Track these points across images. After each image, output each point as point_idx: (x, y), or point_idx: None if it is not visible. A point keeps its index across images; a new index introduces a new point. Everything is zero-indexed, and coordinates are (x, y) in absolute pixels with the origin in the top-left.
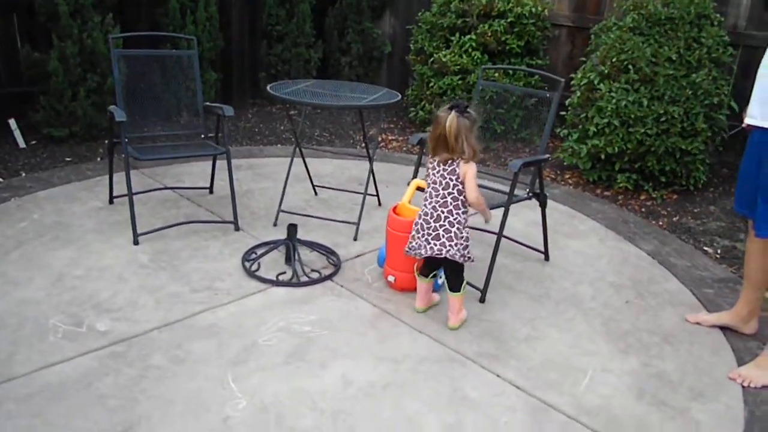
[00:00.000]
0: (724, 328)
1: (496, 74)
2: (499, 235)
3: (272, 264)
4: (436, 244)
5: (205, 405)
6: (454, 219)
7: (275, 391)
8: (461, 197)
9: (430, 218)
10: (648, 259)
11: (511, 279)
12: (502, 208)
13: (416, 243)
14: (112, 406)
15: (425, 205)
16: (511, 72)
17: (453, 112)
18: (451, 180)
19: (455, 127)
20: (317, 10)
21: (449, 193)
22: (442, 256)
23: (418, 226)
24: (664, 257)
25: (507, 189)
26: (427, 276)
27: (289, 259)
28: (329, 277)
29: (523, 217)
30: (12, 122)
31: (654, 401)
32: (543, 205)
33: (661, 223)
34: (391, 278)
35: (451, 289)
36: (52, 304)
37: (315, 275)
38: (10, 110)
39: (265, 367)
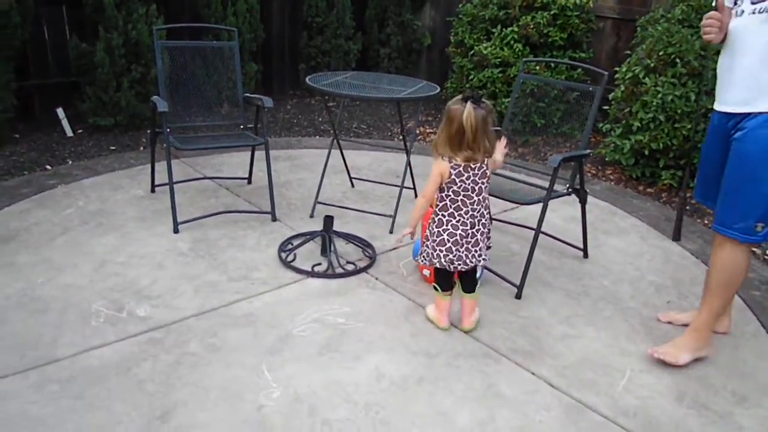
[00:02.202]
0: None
1: (538, 67)
2: (537, 230)
3: (308, 255)
4: (477, 251)
5: (239, 393)
6: (486, 220)
7: (309, 381)
8: (486, 193)
9: (470, 228)
10: (692, 258)
11: (549, 275)
12: (541, 204)
13: (456, 255)
14: (150, 391)
15: (461, 215)
16: (552, 65)
17: (469, 104)
18: (483, 183)
19: (474, 120)
20: (357, 1)
21: (483, 198)
22: (482, 263)
23: (457, 237)
24: (709, 257)
25: (545, 184)
26: (450, 290)
27: (324, 251)
28: (364, 269)
29: (562, 213)
30: (60, 111)
31: (694, 404)
32: (583, 202)
33: (706, 221)
34: (426, 272)
35: (468, 291)
36: (94, 289)
37: (350, 267)
38: (58, 100)
39: (299, 357)
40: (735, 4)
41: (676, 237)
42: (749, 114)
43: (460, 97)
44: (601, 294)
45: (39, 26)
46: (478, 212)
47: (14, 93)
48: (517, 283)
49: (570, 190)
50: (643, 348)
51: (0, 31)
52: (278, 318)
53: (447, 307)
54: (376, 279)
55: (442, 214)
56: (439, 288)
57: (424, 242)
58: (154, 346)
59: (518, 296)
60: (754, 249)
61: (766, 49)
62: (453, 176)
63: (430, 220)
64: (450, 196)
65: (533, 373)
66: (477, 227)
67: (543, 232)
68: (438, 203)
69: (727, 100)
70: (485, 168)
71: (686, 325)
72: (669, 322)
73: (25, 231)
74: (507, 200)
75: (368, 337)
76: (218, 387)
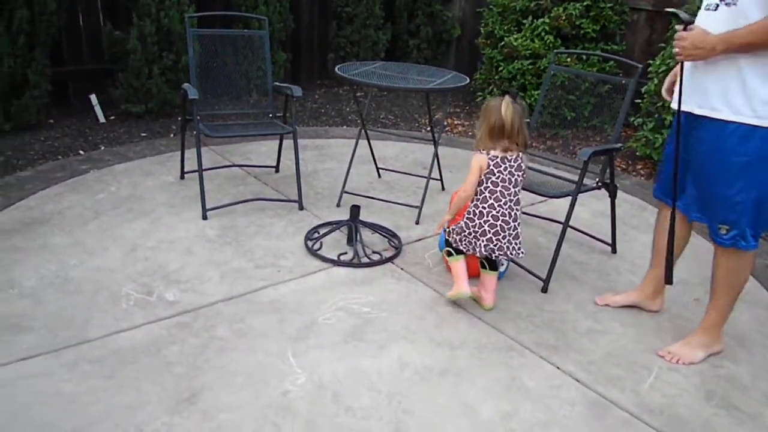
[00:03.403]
0: (632, 307)
1: (569, 59)
2: (566, 224)
3: (334, 244)
4: (518, 243)
5: (265, 378)
6: (521, 212)
7: (333, 369)
8: (521, 187)
9: (510, 218)
10: None
11: (576, 270)
12: (569, 197)
13: (496, 245)
14: (178, 373)
15: (500, 206)
16: (584, 57)
17: (507, 97)
18: (519, 176)
19: (512, 113)
20: None
21: (519, 190)
22: (521, 256)
23: (498, 228)
24: None
25: (574, 177)
26: (462, 252)
27: (350, 240)
28: (390, 259)
29: (591, 207)
30: (93, 98)
31: (723, 404)
32: (613, 196)
33: None
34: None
35: (493, 269)
36: (125, 273)
37: (376, 257)
38: (91, 86)
39: (324, 344)
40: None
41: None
42: (711, 117)
43: (499, 94)
44: (628, 290)
45: (74, 13)
46: (515, 203)
47: (49, 79)
48: (544, 276)
49: (600, 184)
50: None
51: (37, 18)
52: (304, 305)
53: (462, 270)
54: (402, 269)
55: (483, 206)
56: (453, 252)
57: (459, 231)
58: (182, 330)
59: (544, 290)
60: None
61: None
62: (491, 167)
63: (469, 211)
64: (489, 187)
65: (558, 368)
66: (516, 220)
67: (571, 226)
68: (477, 196)
69: (689, 102)
70: (521, 161)
71: (624, 307)
72: (606, 305)
73: (58, 214)
74: (535, 193)
75: (392, 327)
76: (244, 372)
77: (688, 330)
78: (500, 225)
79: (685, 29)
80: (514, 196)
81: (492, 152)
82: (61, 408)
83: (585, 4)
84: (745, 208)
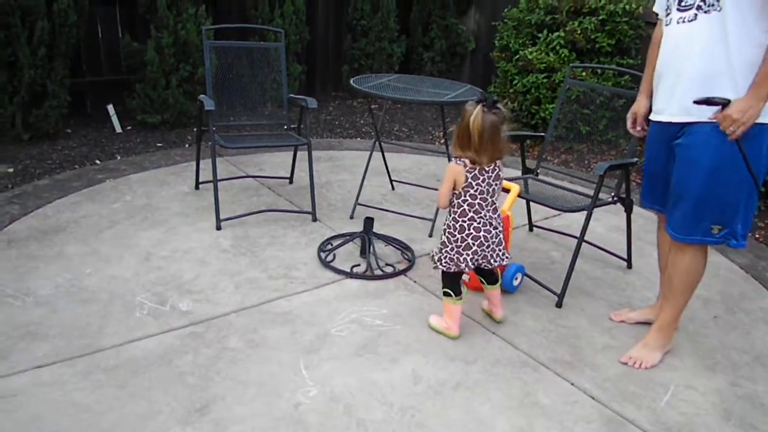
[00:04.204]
0: (647, 323)
1: (584, 73)
2: (580, 239)
3: (347, 256)
4: (501, 250)
5: (277, 390)
6: (500, 221)
7: (345, 381)
8: (499, 194)
9: (491, 227)
10: (740, 273)
11: (590, 285)
12: (583, 212)
13: (481, 255)
14: (191, 384)
15: (480, 217)
16: (599, 71)
17: (479, 107)
18: (497, 185)
19: (480, 123)
20: (402, 4)
21: (495, 199)
22: (506, 262)
23: (481, 239)
24: (759, 272)
25: (588, 192)
26: (461, 294)
27: (364, 252)
28: (403, 272)
29: (605, 222)
30: (110, 108)
31: (742, 424)
32: (629, 211)
33: (757, 235)
34: (465, 277)
35: (492, 283)
36: (139, 282)
37: (389, 269)
38: (109, 97)
39: (336, 356)
40: (667, 14)
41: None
42: (702, 122)
43: (476, 98)
44: (643, 306)
45: (93, 25)
46: (494, 213)
47: (68, 89)
48: (558, 291)
49: (615, 198)
50: (688, 363)
51: (57, 29)
52: (316, 317)
53: (459, 314)
54: (415, 282)
55: (462, 220)
56: (452, 293)
57: (440, 248)
58: (195, 340)
59: (559, 305)
60: None
61: (700, 60)
62: (469, 179)
63: (449, 226)
64: (467, 200)
65: (573, 384)
66: (497, 228)
67: (586, 241)
68: (455, 209)
69: (669, 111)
70: (498, 171)
71: (640, 323)
72: (622, 321)
73: (74, 223)
74: (549, 207)
75: (405, 340)
76: (256, 383)
77: (705, 347)
78: (483, 236)
79: (722, 110)
80: (491, 206)
81: (468, 163)
82: (74, 417)
83: (600, 18)
84: (737, 207)
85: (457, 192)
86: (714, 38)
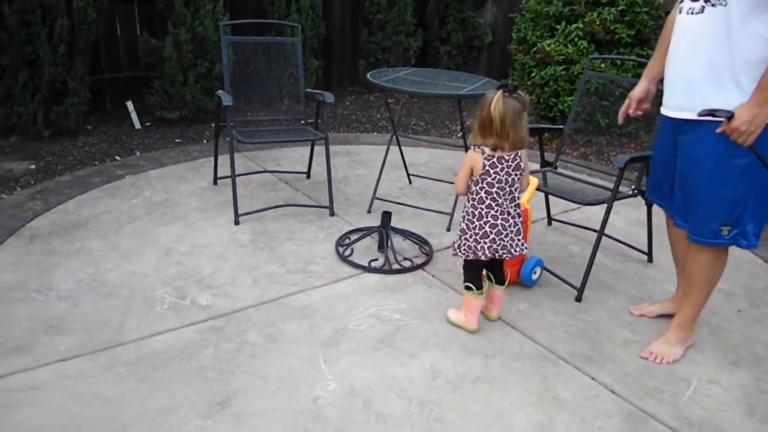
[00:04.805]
0: (668, 316)
1: (603, 65)
2: (600, 233)
3: (365, 250)
4: (519, 240)
5: (296, 384)
6: (519, 211)
7: (364, 375)
8: (519, 184)
9: (509, 216)
10: (764, 266)
11: (610, 279)
12: (602, 205)
13: (500, 245)
14: (211, 378)
15: (498, 205)
16: (618, 63)
17: (499, 92)
18: (516, 175)
19: (501, 110)
20: None
21: (515, 188)
22: (525, 252)
23: (498, 228)
24: None
25: (608, 185)
26: (482, 289)
27: (381, 247)
28: (421, 266)
29: (624, 215)
30: (129, 104)
31: (767, 420)
32: (649, 204)
33: None
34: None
35: (500, 283)
36: (159, 277)
37: (407, 264)
38: (128, 93)
39: (355, 351)
40: (680, 0)
41: None
42: (697, 120)
43: (496, 86)
44: (664, 300)
45: (112, 23)
46: (512, 202)
47: (88, 86)
48: (577, 285)
49: (636, 191)
50: (711, 357)
51: (77, 27)
52: (335, 311)
53: (479, 308)
54: (433, 276)
55: (480, 207)
56: (473, 287)
57: (460, 235)
58: (215, 334)
59: (578, 299)
60: None
61: (708, 52)
62: (487, 167)
63: (467, 213)
64: (485, 188)
65: (593, 378)
66: (515, 218)
67: (606, 235)
68: (473, 196)
69: (674, 105)
70: (519, 160)
71: (661, 316)
72: (642, 315)
73: (95, 219)
74: (569, 200)
75: (424, 334)
76: (276, 377)
77: (728, 341)
78: (500, 224)
79: (729, 122)
80: (510, 195)
81: (487, 150)
82: (96, 410)
83: (620, 8)
84: (746, 207)
85: (474, 179)
86: (719, 32)
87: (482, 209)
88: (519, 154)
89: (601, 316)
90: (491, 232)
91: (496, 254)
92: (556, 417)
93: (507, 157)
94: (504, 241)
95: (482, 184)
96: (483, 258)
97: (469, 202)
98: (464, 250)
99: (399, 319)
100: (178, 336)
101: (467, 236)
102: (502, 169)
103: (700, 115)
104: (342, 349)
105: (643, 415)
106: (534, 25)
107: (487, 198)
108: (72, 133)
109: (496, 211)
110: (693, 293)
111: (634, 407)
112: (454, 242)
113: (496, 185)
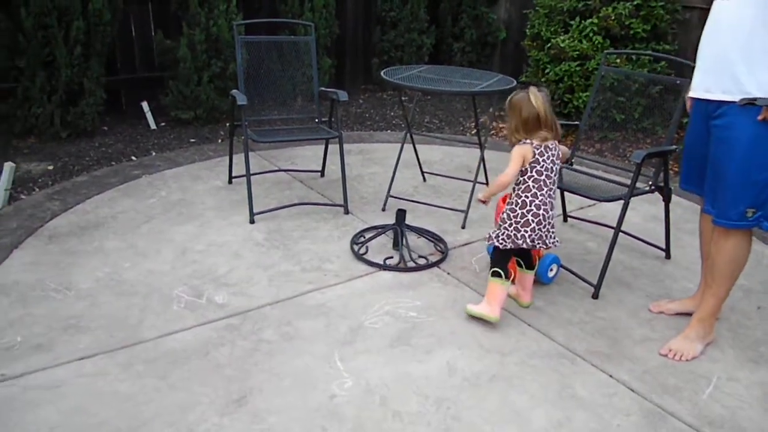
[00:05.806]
0: (687, 314)
1: (618, 60)
2: (617, 229)
3: (380, 248)
4: (553, 233)
5: (312, 382)
6: (554, 205)
7: (380, 373)
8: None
9: (549, 207)
10: None
11: (628, 276)
12: (619, 201)
13: (538, 234)
14: (228, 375)
15: (542, 194)
16: (634, 58)
17: (532, 88)
18: (557, 165)
19: (542, 102)
20: None
21: (556, 179)
22: (558, 245)
23: (540, 217)
24: None
25: (624, 181)
26: (509, 277)
27: (396, 244)
28: (436, 263)
29: (642, 212)
30: (145, 105)
31: None
32: (667, 200)
33: None
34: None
35: (530, 268)
36: (176, 275)
37: (422, 261)
38: (143, 94)
39: (370, 349)
40: None
41: None
42: (730, 102)
43: (519, 89)
44: (684, 297)
45: (127, 24)
46: (553, 192)
47: (104, 87)
48: (594, 282)
49: (653, 187)
50: (730, 355)
51: (93, 29)
52: (350, 309)
53: (503, 297)
54: (448, 274)
55: (525, 195)
56: (502, 273)
57: (499, 224)
58: (232, 333)
59: (595, 296)
60: None
61: (743, 35)
62: (536, 156)
63: (510, 203)
64: (533, 176)
65: (611, 376)
66: (552, 207)
67: (623, 231)
68: (519, 186)
69: (708, 87)
70: (558, 150)
71: (680, 314)
72: (661, 312)
73: (112, 218)
74: (585, 197)
75: (440, 332)
76: (292, 375)
77: (748, 339)
78: (542, 214)
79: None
80: (553, 185)
81: (535, 142)
82: (116, 407)
83: (635, 3)
84: None
85: (523, 169)
86: (743, 19)
87: (527, 197)
88: (557, 145)
89: (618, 313)
90: (533, 221)
91: (533, 244)
92: (574, 415)
93: (551, 146)
94: (542, 231)
95: (531, 172)
96: (524, 246)
97: (513, 191)
98: (502, 239)
99: (415, 317)
100: (195, 334)
101: (507, 225)
102: (548, 158)
103: (741, 105)
104: (358, 347)
105: (662, 412)
106: (548, 20)
107: (533, 186)
108: (88, 134)
109: (540, 201)
110: (715, 284)
111: (653, 405)
112: (489, 232)
113: (544, 173)
